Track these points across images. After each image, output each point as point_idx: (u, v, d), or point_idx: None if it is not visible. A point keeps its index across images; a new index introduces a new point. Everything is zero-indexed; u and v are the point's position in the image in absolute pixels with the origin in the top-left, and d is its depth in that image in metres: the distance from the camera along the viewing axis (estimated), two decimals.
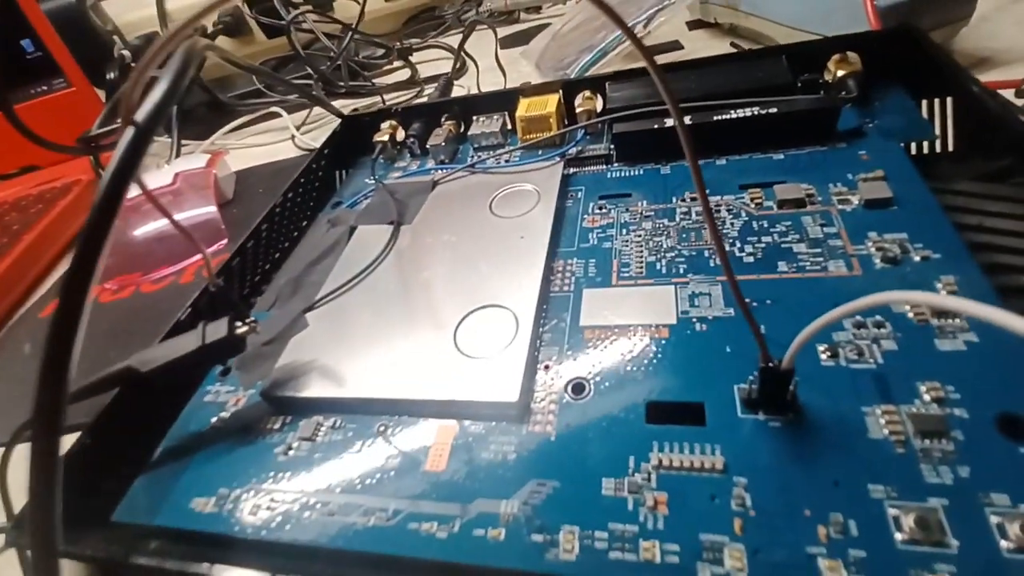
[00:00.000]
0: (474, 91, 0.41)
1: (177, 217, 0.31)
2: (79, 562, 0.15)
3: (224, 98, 0.47)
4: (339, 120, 0.29)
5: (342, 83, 0.41)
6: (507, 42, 0.53)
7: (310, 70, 0.40)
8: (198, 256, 0.30)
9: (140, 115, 0.09)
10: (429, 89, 0.46)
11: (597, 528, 0.12)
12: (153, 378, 0.15)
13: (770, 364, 0.12)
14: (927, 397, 0.12)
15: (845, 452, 0.12)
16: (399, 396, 0.15)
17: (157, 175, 0.34)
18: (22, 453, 0.16)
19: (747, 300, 0.15)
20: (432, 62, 0.52)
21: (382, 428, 0.15)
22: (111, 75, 0.47)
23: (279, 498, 0.14)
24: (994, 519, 0.10)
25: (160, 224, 0.30)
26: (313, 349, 0.17)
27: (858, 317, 0.14)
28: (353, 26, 0.43)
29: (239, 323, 0.16)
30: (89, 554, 0.14)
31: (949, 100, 0.20)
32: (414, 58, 0.52)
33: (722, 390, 0.13)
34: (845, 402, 0.12)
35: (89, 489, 0.15)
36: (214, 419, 0.17)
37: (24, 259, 0.32)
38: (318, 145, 0.38)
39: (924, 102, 0.21)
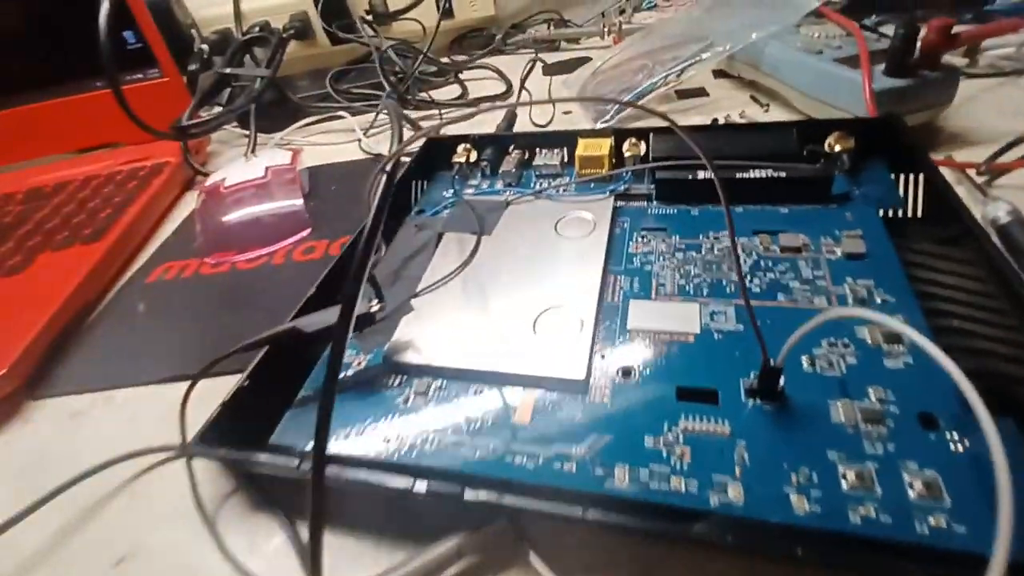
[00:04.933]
0: (526, 121, 0.46)
1: (267, 207, 0.36)
2: (251, 473, 0.20)
3: (295, 98, 0.52)
4: (412, 133, 0.35)
5: (410, 97, 0.46)
6: (548, 70, 0.59)
7: (385, 83, 0.45)
8: (286, 242, 0.35)
9: (388, 166, 0.15)
10: (482, 107, 0.51)
11: (641, 467, 0.17)
12: (307, 338, 0.21)
13: (769, 362, 0.17)
14: (873, 397, 0.18)
15: (814, 429, 0.17)
16: (493, 368, 0.20)
17: (248, 167, 0.39)
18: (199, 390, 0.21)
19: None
20: (478, 81, 0.57)
21: (478, 391, 0.20)
22: (192, 67, 0.52)
23: (404, 432, 0.19)
24: (906, 477, 0.15)
25: (248, 211, 0.35)
26: (420, 328, 0.22)
27: (831, 338, 0.19)
28: (425, 48, 0.48)
29: (375, 302, 0.21)
30: (264, 463, 0.19)
31: (921, 176, 0.26)
32: (462, 76, 0.58)
33: (732, 382, 0.19)
34: (817, 397, 0.18)
35: (251, 417, 0.20)
36: (341, 375, 0.22)
37: (130, 230, 0.37)
38: (380, 149, 0.43)
39: (902, 176, 0.26)
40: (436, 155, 0.33)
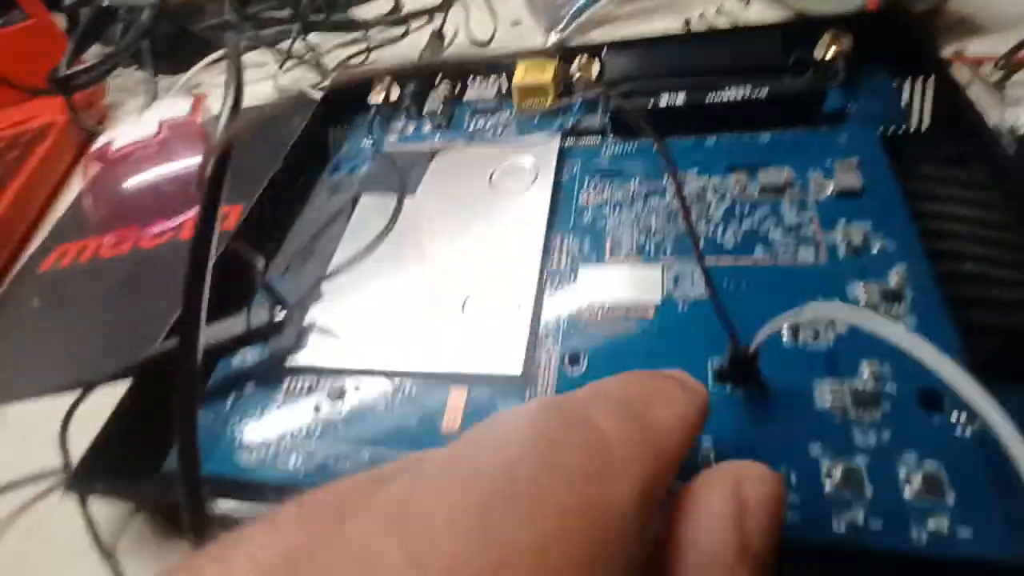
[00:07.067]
0: (463, 36, 0.39)
1: (165, 170, 0.31)
2: (136, 506, 0.18)
3: (195, 29, 0.44)
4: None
5: (322, 17, 0.39)
6: None
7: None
8: (196, 210, 0.30)
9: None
10: (416, 24, 0.44)
11: None
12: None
13: (738, 349, 0.14)
14: (866, 374, 0.14)
15: (795, 418, 0.14)
16: (412, 369, 0.17)
17: (139, 124, 0.33)
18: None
19: (723, 284, 0.17)
20: None
21: (401, 392, 0.17)
22: (68, 1, 0.44)
23: (315, 449, 0.16)
24: (903, 472, 0.13)
25: (143, 177, 0.30)
26: (330, 320, 0.19)
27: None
28: None
29: (278, 308, 0.17)
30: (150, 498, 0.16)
31: (930, 82, 0.21)
32: None
33: (698, 364, 0.16)
34: (800, 376, 0.15)
35: (139, 441, 0.17)
36: (247, 383, 0.18)
37: (14, 210, 0.32)
38: (301, 84, 0.37)
39: (908, 82, 0.22)
40: (349, 95, 0.28)
